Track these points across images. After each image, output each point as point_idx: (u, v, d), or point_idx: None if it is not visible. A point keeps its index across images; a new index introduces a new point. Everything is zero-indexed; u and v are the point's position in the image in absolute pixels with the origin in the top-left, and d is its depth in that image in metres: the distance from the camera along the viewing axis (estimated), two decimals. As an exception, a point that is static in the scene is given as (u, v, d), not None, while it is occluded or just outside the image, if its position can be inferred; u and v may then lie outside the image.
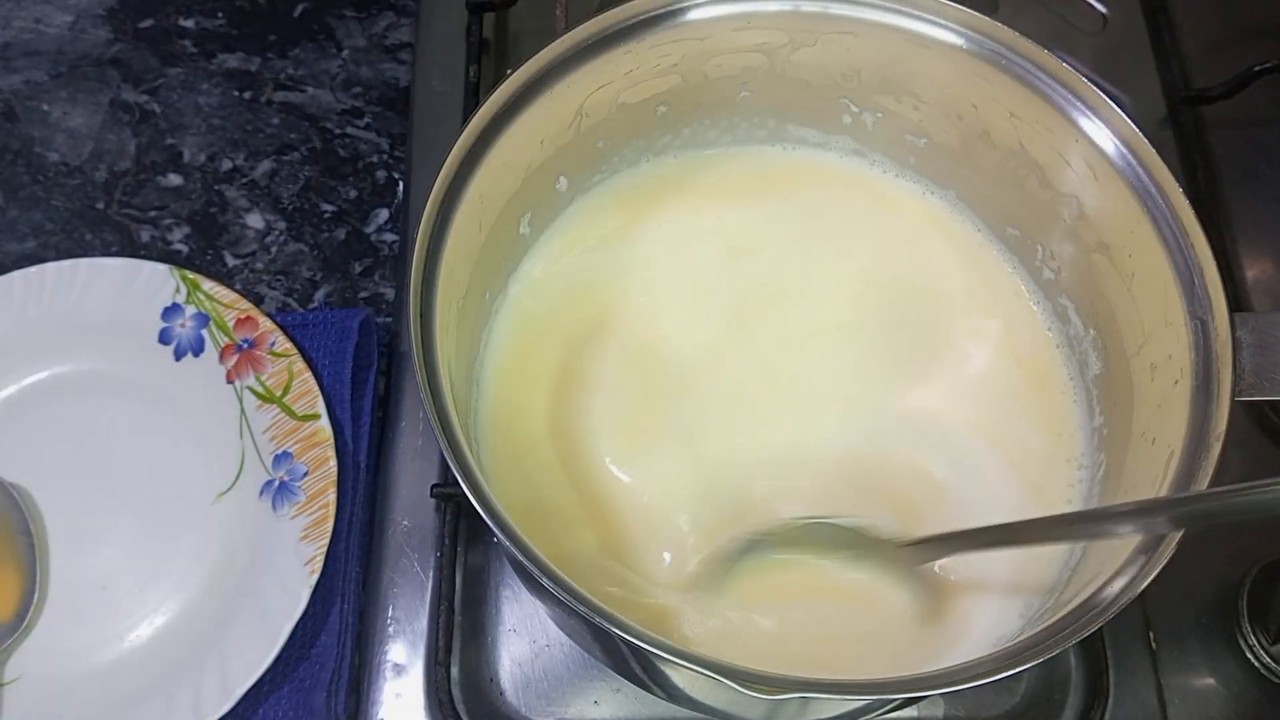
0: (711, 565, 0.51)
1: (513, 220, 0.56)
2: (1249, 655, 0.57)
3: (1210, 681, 0.57)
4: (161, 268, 0.63)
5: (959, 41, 0.52)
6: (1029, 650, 0.40)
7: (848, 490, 0.53)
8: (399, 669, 0.58)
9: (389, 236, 0.71)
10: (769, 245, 0.59)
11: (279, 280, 0.69)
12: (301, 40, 0.77)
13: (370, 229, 0.71)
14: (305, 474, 0.58)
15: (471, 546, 0.60)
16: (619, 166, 0.60)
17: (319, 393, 0.60)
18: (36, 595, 0.58)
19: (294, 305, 0.69)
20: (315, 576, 0.55)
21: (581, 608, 0.39)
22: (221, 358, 0.61)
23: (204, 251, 0.70)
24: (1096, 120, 0.50)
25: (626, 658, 0.48)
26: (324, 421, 0.59)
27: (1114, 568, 0.42)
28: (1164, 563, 0.41)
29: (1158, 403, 0.47)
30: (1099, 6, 0.76)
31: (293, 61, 0.77)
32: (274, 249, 0.70)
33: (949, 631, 0.50)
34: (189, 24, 0.78)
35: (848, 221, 0.60)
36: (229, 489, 0.60)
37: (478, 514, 0.41)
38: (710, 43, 0.54)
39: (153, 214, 0.71)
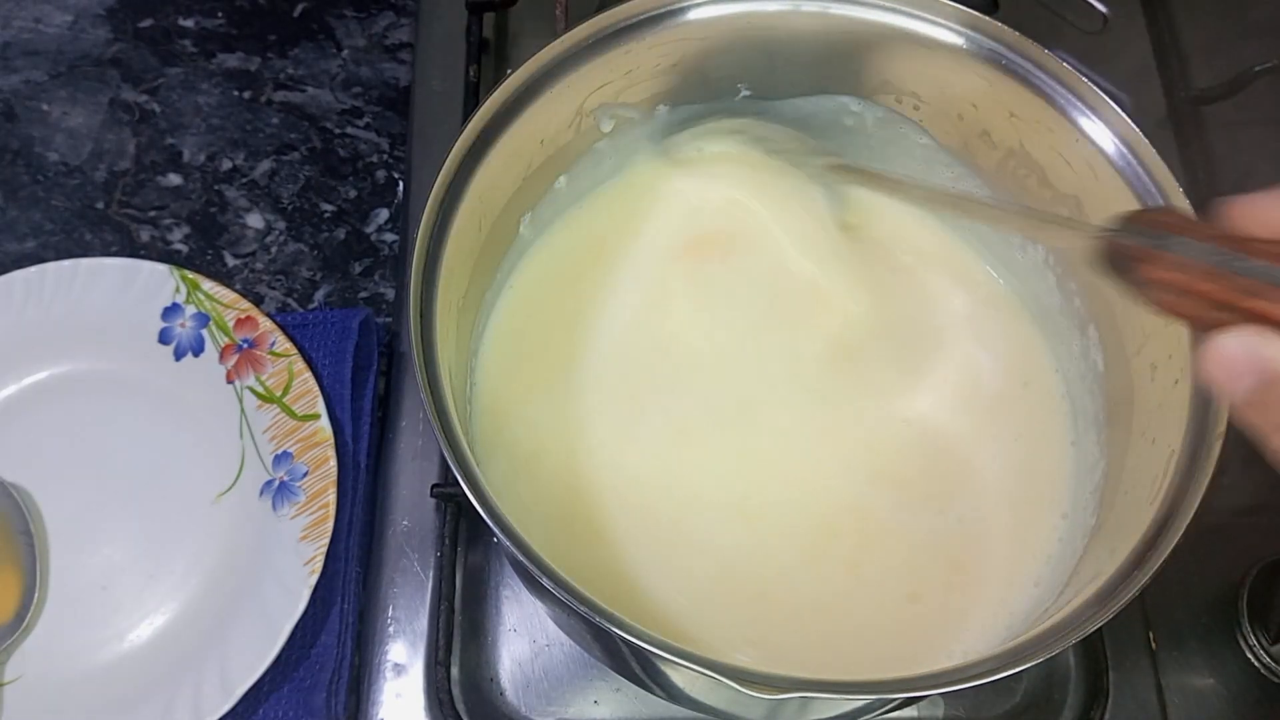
0: None
1: (513, 220, 0.56)
2: (1249, 655, 0.57)
3: (1210, 681, 0.57)
4: (161, 268, 0.63)
5: (959, 41, 0.52)
6: (1029, 650, 0.40)
7: (858, 473, 0.53)
8: (399, 669, 0.58)
9: (389, 236, 0.71)
10: (768, 242, 0.59)
11: (279, 280, 0.69)
12: (301, 40, 0.77)
13: (370, 229, 0.71)
14: (305, 474, 0.58)
15: (471, 546, 0.60)
16: (619, 166, 0.60)
17: (319, 393, 0.60)
18: (36, 595, 0.58)
19: (294, 305, 0.69)
20: (315, 576, 0.55)
21: (581, 608, 0.39)
22: (221, 358, 0.61)
23: (204, 251, 0.70)
24: (1096, 120, 0.50)
25: (626, 658, 0.48)
26: (324, 421, 0.59)
27: (1114, 567, 0.42)
28: (1164, 561, 0.41)
29: (1158, 403, 0.47)
30: (1099, 6, 0.76)
31: (293, 61, 0.77)
32: (274, 249, 0.70)
33: (944, 627, 0.50)
34: (189, 24, 0.78)
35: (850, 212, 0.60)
36: (229, 489, 0.60)
37: (478, 514, 0.41)
38: (710, 43, 0.54)
39: (153, 214, 0.71)
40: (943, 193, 0.56)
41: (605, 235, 0.59)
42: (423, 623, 0.59)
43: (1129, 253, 0.37)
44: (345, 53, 0.77)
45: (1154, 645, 0.58)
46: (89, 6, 0.78)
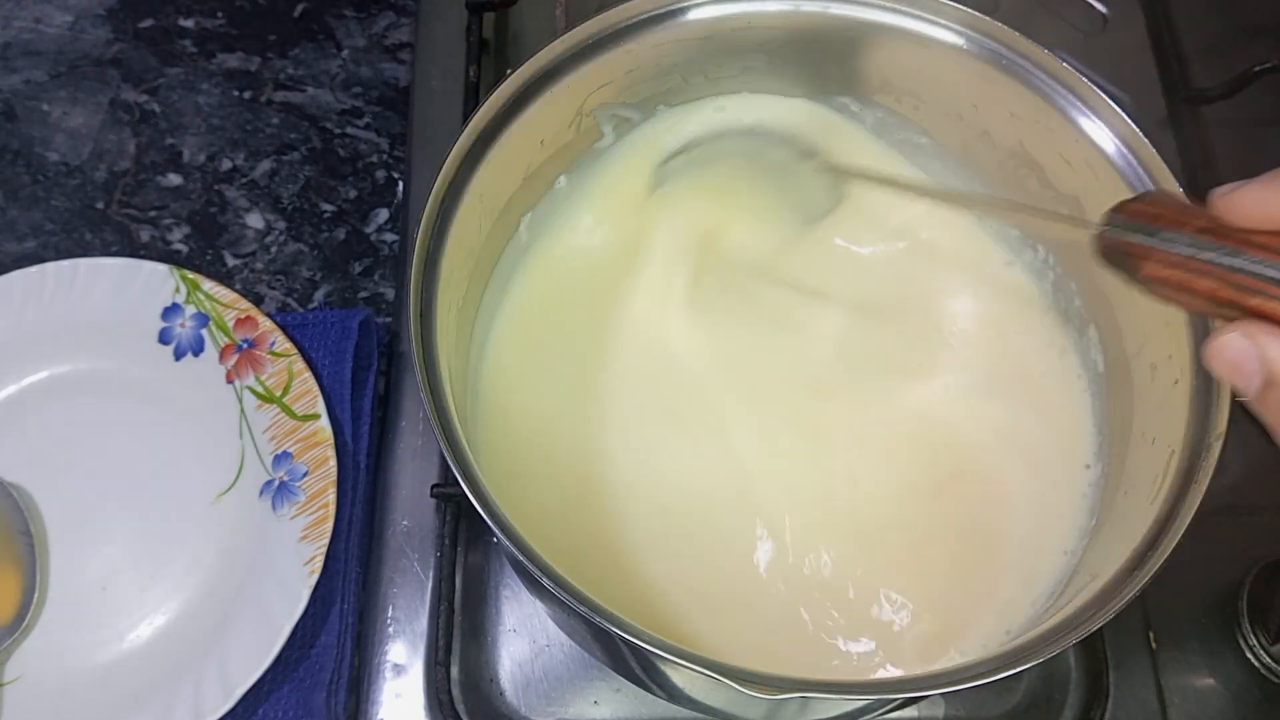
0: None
1: (513, 220, 0.56)
2: (1249, 655, 0.57)
3: (1210, 681, 0.57)
4: (161, 268, 0.63)
5: (959, 41, 0.52)
6: (1029, 650, 0.40)
7: (863, 475, 0.53)
8: (399, 669, 0.58)
9: (389, 236, 0.71)
10: (771, 234, 0.59)
11: (279, 280, 0.69)
12: (301, 40, 0.77)
13: (370, 229, 0.71)
14: (305, 474, 0.58)
15: (471, 546, 0.60)
16: (619, 162, 0.60)
17: (319, 393, 0.60)
18: (36, 595, 0.58)
19: (294, 305, 0.69)
20: (315, 576, 0.55)
21: (581, 608, 0.39)
22: (221, 358, 0.61)
23: (204, 251, 0.70)
24: (1096, 120, 0.50)
25: (626, 658, 0.48)
26: (324, 421, 0.59)
27: (1114, 567, 0.42)
28: (1164, 562, 0.41)
29: (1158, 403, 0.47)
30: (1099, 6, 0.76)
31: (293, 61, 0.77)
32: (274, 249, 0.70)
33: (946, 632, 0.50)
34: (189, 24, 0.78)
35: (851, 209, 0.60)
36: (229, 489, 0.60)
37: (478, 514, 0.41)
38: (710, 43, 0.54)
39: (153, 214, 0.71)
40: (935, 187, 0.58)
41: (609, 240, 0.59)
42: (423, 623, 0.59)
43: (1124, 249, 0.37)
44: (345, 53, 0.77)
45: (1154, 645, 0.58)
46: (89, 7, 0.78)
